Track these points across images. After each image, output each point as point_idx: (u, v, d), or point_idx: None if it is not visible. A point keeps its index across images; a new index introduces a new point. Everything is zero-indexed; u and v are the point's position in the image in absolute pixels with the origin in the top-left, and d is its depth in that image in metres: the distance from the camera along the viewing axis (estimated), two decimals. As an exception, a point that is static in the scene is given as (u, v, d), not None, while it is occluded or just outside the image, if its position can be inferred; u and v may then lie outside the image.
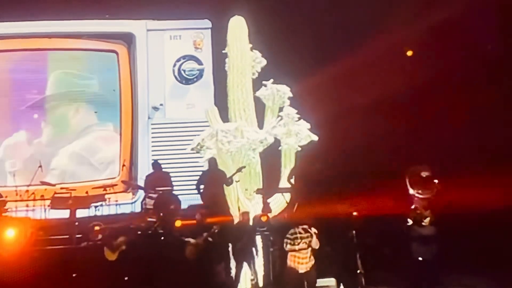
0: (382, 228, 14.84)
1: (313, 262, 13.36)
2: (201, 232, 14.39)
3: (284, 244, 13.46)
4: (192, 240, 14.25)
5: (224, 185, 16.43)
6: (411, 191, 15.53)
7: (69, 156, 19.66)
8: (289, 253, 13.37)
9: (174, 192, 17.01)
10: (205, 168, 17.32)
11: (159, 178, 17.29)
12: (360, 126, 17.69)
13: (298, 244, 13.24)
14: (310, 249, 13.30)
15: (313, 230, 13.35)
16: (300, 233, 13.34)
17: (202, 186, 16.60)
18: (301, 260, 13.30)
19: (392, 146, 17.23)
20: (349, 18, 18.09)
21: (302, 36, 18.56)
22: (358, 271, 14.62)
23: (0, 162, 19.19)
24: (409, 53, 18.65)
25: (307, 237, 13.25)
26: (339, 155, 17.24)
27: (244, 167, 16.64)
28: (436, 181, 15.39)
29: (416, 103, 17.63)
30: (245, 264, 14.92)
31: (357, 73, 17.65)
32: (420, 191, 15.37)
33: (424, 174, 15.69)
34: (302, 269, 13.30)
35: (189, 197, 17.14)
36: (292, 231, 13.50)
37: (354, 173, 16.62)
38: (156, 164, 17.64)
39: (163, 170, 17.65)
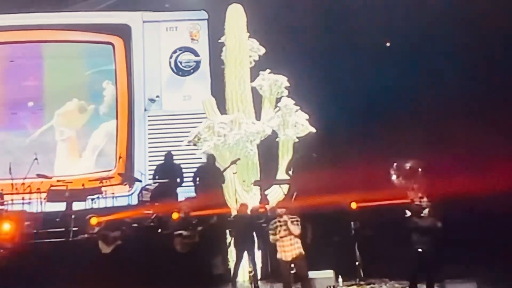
0: (381, 219, 14.74)
1: (300, 250, 13.20)
2: (197, 225, 14.32)
3: (270, 237, 13.38)
4: (188, 233, 14.17)
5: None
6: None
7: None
8: (277, 245, 13.28)
9: (172, 184, 16.91)
10: (203, 161, 17.14)
11: (168, 167, 17.26)
12: (359, 117, 17.55)
13: (279, 232, 13.12)
14: (293, 236, 13.15)
15: (289, 216, 13.20)
16: (279, 221, 13.23)
17: (198, 180, 16.52)
18: (285, 248, 13.19)
19: (390, 136, 17.09)
20: (348, 6, 17.92)
21: (300, 24, 18.40)
22: (357, 263, 14.60)
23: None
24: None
25: (284, 223, 13.13)
26: (337, 145, 17.13)
27: (239, 159, 16.50)
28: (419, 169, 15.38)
29: (414, 94, 17.50)
30: (245, 256, 14.80)
31: (357, 63, 17.50)
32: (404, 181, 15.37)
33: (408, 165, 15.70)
34: (288, 257, 13.17)
35: (186, 190, 17.02)
36: (272, 221, 13.40)
37: (352, 164, 16.53)
38: (168, 155, 17.53)
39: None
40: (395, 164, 16.02)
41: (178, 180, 17.17)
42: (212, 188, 16.09)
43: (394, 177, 15.82)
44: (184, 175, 17.39)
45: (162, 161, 17.66)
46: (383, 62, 17.62)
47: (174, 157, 17.68)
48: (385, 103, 17.75)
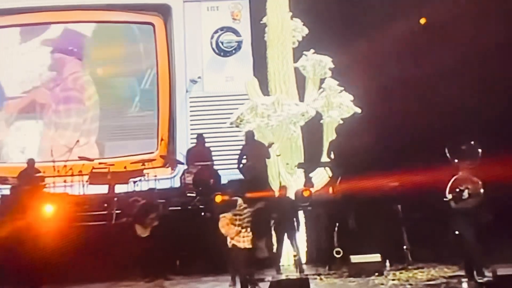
0: (428, 202, 14.42)
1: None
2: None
3: None
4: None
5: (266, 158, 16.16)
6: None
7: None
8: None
9: (213, 167, 16.75)
10: (243, 140, 16.93)
11: (199, 152, 17.04)
12: (406, 98, 17.17)
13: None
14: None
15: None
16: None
17: (244, 161, 16.30)
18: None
19: (440, 118, 16.73)
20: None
21: (344, 3, 18.07)
22: (405, 247, 14.32)
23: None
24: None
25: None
26: (383, 128, 16.80)
27: (273, 143, 16.23)
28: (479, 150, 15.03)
29: (464, 74, 17.08)
30: (287, 240, 14.62)
31: (403, 42, 17.11)
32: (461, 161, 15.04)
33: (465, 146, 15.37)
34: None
35: (228, 172, 16.86)
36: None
37: (400, 146, 16.24)
38: (199, 137, 17.35)
39: (205, 144, 17.39)
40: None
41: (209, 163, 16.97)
42: (257, 166, 15.93)
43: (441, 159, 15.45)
44: (224, 157, 17.27)
45: (194, 145, 17.55)
46: (436, 38, 17.21)
47: (210, 140, 17.57)
48: (435, 83, 17.37)
